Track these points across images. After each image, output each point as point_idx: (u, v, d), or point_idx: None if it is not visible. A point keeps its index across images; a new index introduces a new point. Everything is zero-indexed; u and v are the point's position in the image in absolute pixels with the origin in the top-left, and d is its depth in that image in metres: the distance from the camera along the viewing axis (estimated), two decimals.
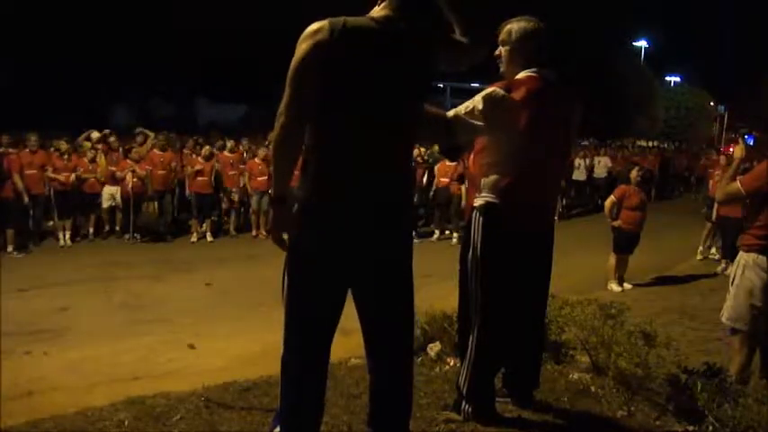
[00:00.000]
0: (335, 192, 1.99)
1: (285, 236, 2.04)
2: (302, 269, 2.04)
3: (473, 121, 2.54)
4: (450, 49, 2.16)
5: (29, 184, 9.32)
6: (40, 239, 9.73)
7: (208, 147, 10.80)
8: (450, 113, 2.61)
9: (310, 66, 1.92)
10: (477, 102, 2.55)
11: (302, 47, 1.94)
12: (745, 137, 3.70)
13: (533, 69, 2.65)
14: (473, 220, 2.69)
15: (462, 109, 2.59)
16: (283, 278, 2.07)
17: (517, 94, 2.55)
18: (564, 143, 2.82)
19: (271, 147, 1.98)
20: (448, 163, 10.45)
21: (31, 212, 9.57)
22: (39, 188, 9.54)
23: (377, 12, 2.07)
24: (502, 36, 2.69)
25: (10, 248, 8.87)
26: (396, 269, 2.12)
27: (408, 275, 2.15)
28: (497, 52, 2.72)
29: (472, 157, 2.88)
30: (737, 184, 3.40)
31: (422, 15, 2.07)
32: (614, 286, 7.55)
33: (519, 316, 2.74)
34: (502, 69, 2.73)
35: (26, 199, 9.21)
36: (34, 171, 9.52)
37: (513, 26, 2.67)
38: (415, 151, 11.17)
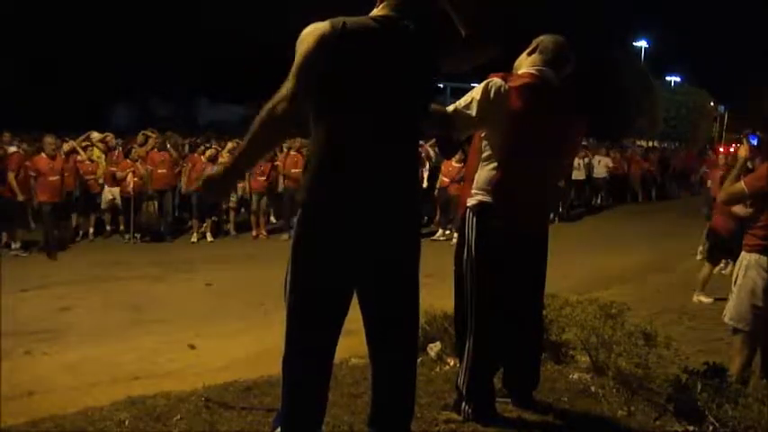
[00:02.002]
0: (339, 192, 1.98)
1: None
2: (306, 269, 2.03)
3: (470, 112, 2.55)
4: (454, 49, 2.15)
5: (47, 191, 8.93)
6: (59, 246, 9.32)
7: (214, 149, 10.77)
8: (450, 108, 2.62)
9: (316, 59, 1.90)
10: (474, 93, 2.58)
11: (307, 40, 1.92)
12: (749, 137, 3.70)
13: (536, 68, 2.67)
14: (467, 219, 2.69)
15: (462, 102, 2.60)
16: (286, 278, 2.06)
17: (513, 84, 2.57)
18: (561, 144, 2.82)
19: (256, 119, 1.94)
20: (454, 163, 10.47)
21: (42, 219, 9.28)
22: (58, 195, 9.11)
23: (377, 12, 2.06)
24: (533, 46, 2.73)
25: (16, 245, 8.89)
26: (400, 269, 2.11)
27: (414, 276, 2.14)
28: (522, 59, 2.75)
29: (470, 152, 2.88)
30: (741, 184, 3.40)
31: (423, 14, 2.06)
32: (703, 298, 6.80)
33: (515, 316, 2.74)
34: (515, 66, 2.77)
35: (20, 197, 8.96)
36: (56, 177, 9.03)
37: (547, 37, 2.73)
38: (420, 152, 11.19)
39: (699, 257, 9.45)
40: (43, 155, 9.18)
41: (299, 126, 2.03)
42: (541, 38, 2.75)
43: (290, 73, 1.93)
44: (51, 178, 8.99)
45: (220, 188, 2.10)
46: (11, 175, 8.95)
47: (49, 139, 9.32)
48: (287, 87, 1.91)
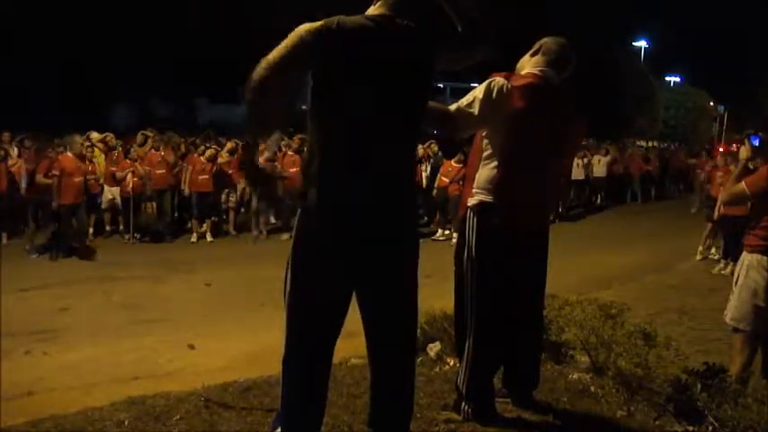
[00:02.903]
0: (337, 192, 1.98)
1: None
2: (305, 270, 2.03)
3: (471, 110, 2.55)
4: (451, 47, 2.15)
5: (71, 193, 8.59)
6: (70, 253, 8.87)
7: (213, 149, 10.75)
8: (452, 107, 2.63)
9: (307, 47, 1.91)
10: (476, 92, 2.58)
11: (304, 28, 1.93)
12: (751, 137, 3.70)
13: (538, 68, 2.67)
14: (467, 219, 2.70)
15: (464, 101, 2.61)
16: (285, 279, 2.06)
17: (516, 84, 2.58)
18: (562, 144, 2.83)
19: (246, 89, 1.95)
20: (453, 164, 10.47)
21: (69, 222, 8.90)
22: (80, 197, 8.82)
23: (373, 10, 2.06)
24: (537, 47, 2.74)
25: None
26: (399, 269, 2.11)
27: (412, 275, 2.14)
28: (525, 60, 2.76)
29: (470, 152, 2.89)
30: (743, 185, 3.40)
31: (419, 13, 2.06)
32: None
33: (515, 316, 2.74)
34: (517, 67, 2.77)
35: (56, 201, 8.61)
36: (79, 178, 8.62)
37: (550, 39, 2.74)
38: (420, 151, 11.19)
39: (699, 257, 9.48)
40: (69, 154, 8.82)
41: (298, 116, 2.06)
42: (544, 39, 2.77)
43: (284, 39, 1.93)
44: (76, 179, 8.70)
45: (251, 171, 2.08)
46: (39, 177, 8.67)
47: (77, 138, 8.96)
48: (270, 56, 1.91)
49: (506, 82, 2.57)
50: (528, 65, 2.74)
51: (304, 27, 1.94)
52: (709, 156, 15.63)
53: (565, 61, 2.73)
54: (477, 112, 2.56)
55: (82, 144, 9.69)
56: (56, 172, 8.69)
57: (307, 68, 1.95)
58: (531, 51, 2.77)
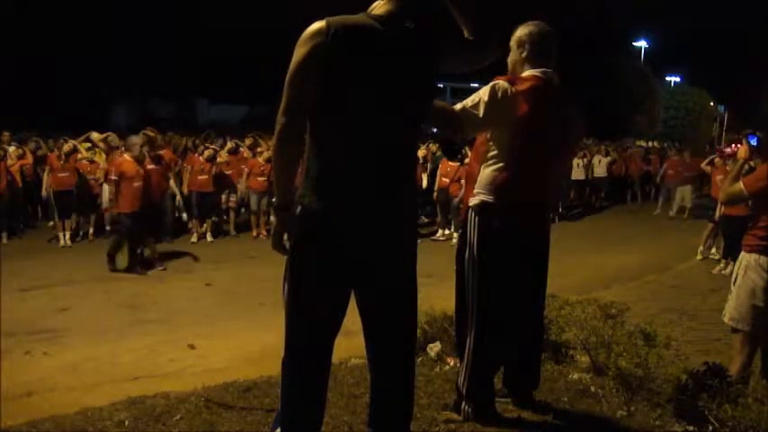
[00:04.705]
0: (337, 195, 1.97)
1: (287, 243, 2.03)
2: (304, 273, 2.02)
3: (476, 112, 2.56)
4: (456, 49, 2.14)
5: (130, 199, 7.83)
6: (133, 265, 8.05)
7: (211, 149, 10.72)
8: (458, 107, 2.63)
9: (308, 70, 1.90)
10: (481, 93, 2.58)
11: (300, 51, 1.91)
12: (749, 137, 3.70)
13: (539, 70, 2.67)
14: (468, 219, 2.70)
15: (469, 102, 2.61)
16: (284, 281, 2.06)
17: (520, 88, 2.58)
18: (564, 145, 2.83)
19: (272, 154, 1.97)
20: (451, 163, 10.46)
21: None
22: (139, 204, 7.90)
23: (378, 7, 2.02)
24: (516, 36, 2.73)
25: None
26: (398, 270, 2.11)
27: (411, 277, 2.14)
28: (510, 54, 2.74)
29: (472, 153, 2.89)
30: (740, 184, 3.40)
31: (425, 12, 2.04)
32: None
33: (516, 316, 2.74)
34: (510, 69, 2.76)
35: (115, 212, 7.96)
36: (138, 183, 7.83)
37: (528, 28, 2.71)
38: (421, 152, 11.18)
39: (699, 257, 9.48)
40: (127, 156, 8.08)
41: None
42: (524, 38, 2.71)
43: (285, 81, 1.93)
44: (136, 184, 8.03)
45: (284, 230, 2.02)
46: (45, 176, 8.20)
47: (135, 139, 8.40)
48: (281, 103, 1.92)
49: (510, 86, 2.58)
50: (521, 66, 2.72)
51: (307, 33, 1.91)
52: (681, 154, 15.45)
53: (551, 51, 2.71)
54: (482, 114, 2.56)
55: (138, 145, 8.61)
56: (114, 176, 7.92)
57: (319, 73, 1.91)
58: (519, 49, 2.72)
